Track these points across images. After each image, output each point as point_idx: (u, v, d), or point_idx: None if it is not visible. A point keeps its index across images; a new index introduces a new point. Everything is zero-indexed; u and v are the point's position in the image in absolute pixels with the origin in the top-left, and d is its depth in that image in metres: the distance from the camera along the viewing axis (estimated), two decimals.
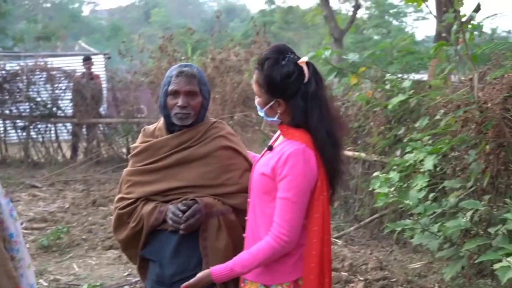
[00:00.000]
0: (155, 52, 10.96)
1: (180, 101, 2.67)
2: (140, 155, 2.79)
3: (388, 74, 6.05)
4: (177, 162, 2.71)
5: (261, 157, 2.54)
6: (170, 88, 2.69)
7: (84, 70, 11.96)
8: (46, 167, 11.06)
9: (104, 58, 13.83)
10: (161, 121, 2.85)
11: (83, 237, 6.65)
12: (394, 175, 4.28)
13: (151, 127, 2.89)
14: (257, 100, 2.45)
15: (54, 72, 11.83)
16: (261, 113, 2.46)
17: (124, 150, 11.79)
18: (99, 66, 13.16)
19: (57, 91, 11.81)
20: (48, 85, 11.77)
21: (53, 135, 11.89)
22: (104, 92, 12.43)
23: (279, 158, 2.34)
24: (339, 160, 2.44)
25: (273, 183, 2.36)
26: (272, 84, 2.36)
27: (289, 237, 2.31)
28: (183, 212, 2.59)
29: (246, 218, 2.56)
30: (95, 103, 11.65)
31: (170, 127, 2.77)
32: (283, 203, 2.32)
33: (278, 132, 2.57)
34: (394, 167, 4.53)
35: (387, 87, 5.94)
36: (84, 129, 11.90)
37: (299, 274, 2.42)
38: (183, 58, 10.51)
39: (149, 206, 2.69)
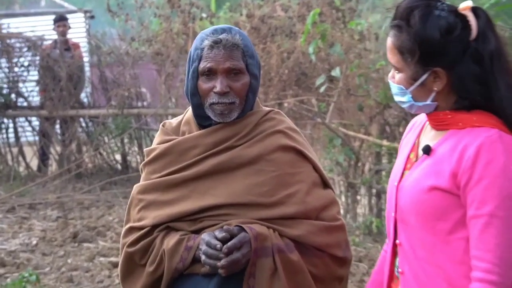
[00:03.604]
0: (162, 7, 11.04)
1: (218, 85, 2.71)
2: (158, 161, 2.83)
3: None
4: (213, 169, 2.74)
5: (403, 169, 2.54)
6: (202, 65, 2.73)
7: (56, 37, 12.12)
8: (2, 184, 11.25)
9: (85, 18, 14.01)
10: (188, 112, 2.89)
11: None
12: None
13: (174, 121, 2.93)
14: (397, 78, 2.46)
15: (12, 41, 12.03)
16: (404, 98, 2.46)
17: (118, 157, 11.94)
18: (78, 30, 13.34)
19: (16, 69, 12.02)
20: (3, 60, 11.99)
21: (11, 135, 12.10)
22: (87, 69, 12.63)
23: (460, 157, 2.31)
24: None
25: (453, 199, 2.34)
26: (428, 45, 2.36)
27: (503, 277, 2.24)
28: (223, 241, 2.60)
29: (399, 270, 2.53)
30: (74, 86, 11.79)
31: (202, 120, 2.82)
32: (483, 223, 2.27)
33: (412, 129, 2.62)
34: None
35: None
36: (57, 126, 12.07)
37: None
38: (204, 16, 10.56)
39: (171, 239, 2.72)
